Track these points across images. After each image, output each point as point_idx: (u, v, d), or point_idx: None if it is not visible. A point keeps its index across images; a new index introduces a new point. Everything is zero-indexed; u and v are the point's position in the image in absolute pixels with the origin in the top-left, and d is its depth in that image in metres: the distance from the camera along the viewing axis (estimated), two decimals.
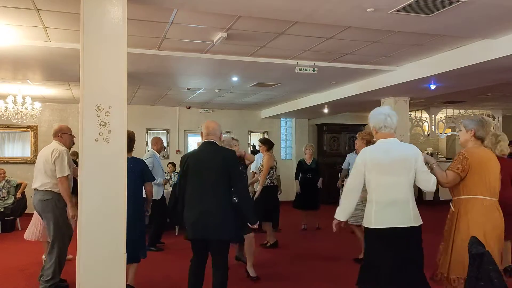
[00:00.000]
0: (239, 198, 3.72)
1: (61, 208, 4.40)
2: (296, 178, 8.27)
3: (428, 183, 3.05)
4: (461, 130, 3.44)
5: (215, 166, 3.58)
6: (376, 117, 3.14)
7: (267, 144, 6.70)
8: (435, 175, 3.17)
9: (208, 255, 3.69)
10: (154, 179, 4.83)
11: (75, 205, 4.29)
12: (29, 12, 4.26)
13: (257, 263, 5.26)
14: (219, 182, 3.55)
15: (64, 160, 4.37)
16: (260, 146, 6.86)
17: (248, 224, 3.92)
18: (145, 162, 4.74)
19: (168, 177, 8.67)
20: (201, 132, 3.79)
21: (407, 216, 2.98)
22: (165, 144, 11.32)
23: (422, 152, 3.22)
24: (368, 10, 3.98)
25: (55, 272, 4.39)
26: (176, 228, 7.68)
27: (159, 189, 6.44)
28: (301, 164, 8.23)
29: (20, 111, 8.45)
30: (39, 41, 5.21)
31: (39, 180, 4.45)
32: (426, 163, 3.22)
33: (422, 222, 3.05)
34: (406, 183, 3.01)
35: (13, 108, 8.34)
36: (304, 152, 8.24)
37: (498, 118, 12.31)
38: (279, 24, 4.66)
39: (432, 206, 10.79)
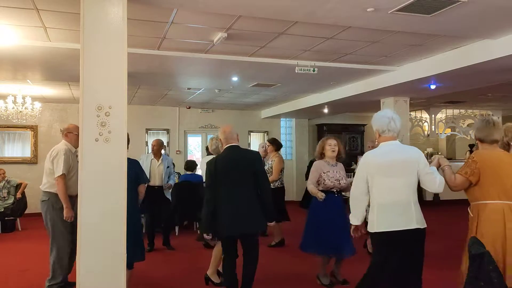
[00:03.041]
0: (264, 197, 3.95)
1: (58, 209, 4.35)
2: (306, 178, 8.26)
3: (434, 185, 3.01)
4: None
5: (243, 167, 3.91)
6: (379, 120, 3.14)
7: (276, 144, 6.67)
8: (444, 177, 3.10)
9: (237, 251, 4.05)
10: (148, 180, 4.70)
11: (71, 207, 4.28)
12: (29, 12, 4.26)
13: (260, 263, 5.25)
14: (248, 181, 3.89)
15: (60, 160, 4.33)
16: (268, 146, 6.82)
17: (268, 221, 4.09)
18: (139, 163, 4.65)
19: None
20: (219, 139, 4.11)
21: (410, 218, 2.96)
22: (164, 144, 11.35)
23: (423, 152, 3.22)
24: (368, 10, 3.98)
25: (54, 272, 4.37)
26: (176, 229, 7.69)
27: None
28: (311, 165, 8.24)
29: (20, 111, 8.44)
30: (39, 41, 5.21)
31: (43, 180, 4.47)
32: (439, 165, 3.20)
33: (426, 226, 3.02)
34: (408, 185, 2.99)
35: (13, 108, 8.34)
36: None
37: (498, 118, 12.32)
38: (279, 24, 4.66)
39: (432, 206, 10.79)
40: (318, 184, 4.70)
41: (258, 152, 4.21)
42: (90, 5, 3.31)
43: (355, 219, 3.18)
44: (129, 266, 3.99)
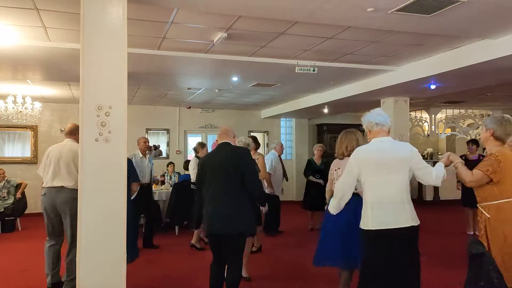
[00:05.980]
0: (250, 185, 3.71)
1: None
2: (305, 175, 8.23)
3: (430, 177, 3.00)
4: (482, 129, 3.34)
5: (229, 164, 3.72)
6: (367, 116, 3.15)
7: (257, 143, 6.55)
8: (459, 174, 3.13)
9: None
10: (138, 179, 4.58)
11: None
12: (29, 12, 4.26)
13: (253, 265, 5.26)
14: (234, 180, 3.68)
15: None
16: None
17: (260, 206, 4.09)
18: (130, 162, 4.59)
19: (169, 178, 8.75)
20: (218, 134, 4.04)
21: (405, 215, 2.95)
22: (164, 144, 11.34)
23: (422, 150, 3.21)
24: (368, 10, 3.98)
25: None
26: (176, 229, 7.69)
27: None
28: (310, 164, 8.21)
29: (20, 111, 8.44)
30: (39, 41, 5.21)
31: (69, 178, 4.33)
32: (450, 162, 3.18)
33: (419, 223, 3.01)
34: (401, 183, 2.98)
35: (13, 108, 8.34)
36: (313, 152, 8.24)
37: None
38: (279, 24, 4.66)
39: (432, 206, 10.80)
40: None
41: (247, 149, 4.06)
42: (90, 5, 3.31)
43: (334, 211, 3.23)
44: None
